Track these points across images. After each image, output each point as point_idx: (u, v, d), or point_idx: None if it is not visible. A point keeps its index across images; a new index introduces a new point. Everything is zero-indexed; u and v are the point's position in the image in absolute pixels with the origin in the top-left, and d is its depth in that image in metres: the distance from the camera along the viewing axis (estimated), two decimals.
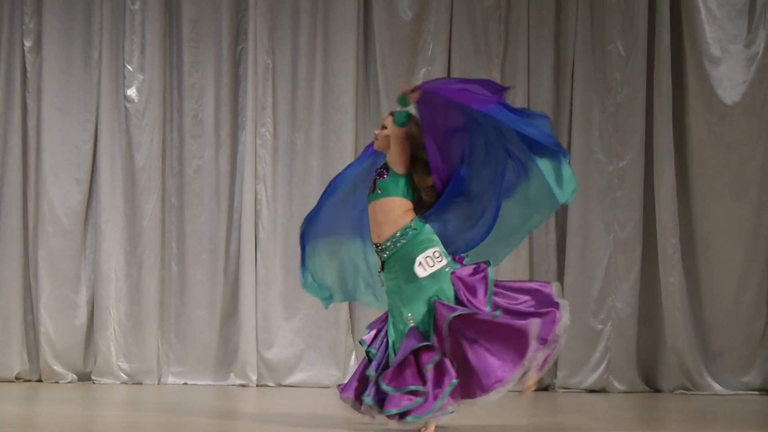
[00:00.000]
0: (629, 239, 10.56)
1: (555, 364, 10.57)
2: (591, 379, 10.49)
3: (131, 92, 10.86)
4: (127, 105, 10.85)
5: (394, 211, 6.87)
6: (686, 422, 8.29)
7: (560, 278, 10.63)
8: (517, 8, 10.79)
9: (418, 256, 6.81)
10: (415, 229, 6.85)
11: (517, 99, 10.63)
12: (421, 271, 6.80)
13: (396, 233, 6.86)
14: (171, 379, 10.72)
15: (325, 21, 10.89)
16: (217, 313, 10.70)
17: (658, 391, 10.54)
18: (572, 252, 10.62)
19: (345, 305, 10.61)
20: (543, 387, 10.55)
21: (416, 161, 6.94)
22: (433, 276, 6.81)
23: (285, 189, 10.83)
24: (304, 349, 10.70)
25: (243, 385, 10.49)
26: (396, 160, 6.92)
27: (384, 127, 7.02)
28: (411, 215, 6.89)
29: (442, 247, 6.86)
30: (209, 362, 10.64)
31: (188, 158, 10.85)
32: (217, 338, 10.65)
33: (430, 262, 6.80)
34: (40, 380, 10.66)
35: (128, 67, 10.85)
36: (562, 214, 10.68)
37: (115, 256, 10.73)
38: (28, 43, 10.86)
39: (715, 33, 10.54)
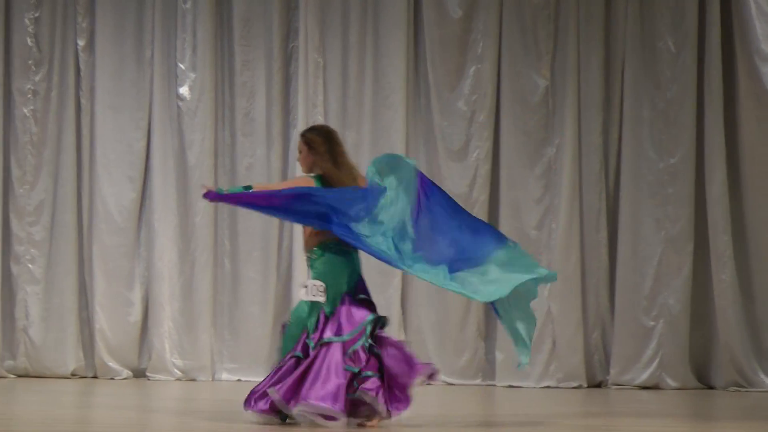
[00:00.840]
0: (680, 236, 10.57)
1: (607, 360, 10.62)
2: (643, 376, 10.51)
3: (183, 90, 10.95)
4: (180, 103, 10.95)
5: (306, 230, 7.28)
6: (739, 419, 8.30)
7: (611, 275, 10.67)
8: (567, 6, 10.81)
9: (308, 279, 7.16)
10: (315, 255, 7.19)
11: (567, 97, 10.69)
12: (302, 294, 7.14)
13: (306, 252, 7.28)
14: (225, 376, 10.82)
15: (375, 19, 10.95)
16: (269, 309, 10.79)
17: (710, 387, 10.55)
18: (623, 249, 10.64)
19: (397, 301, 10.69)
20: (596, 383, 10.59)
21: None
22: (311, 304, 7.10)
23: None
24: None
25: None
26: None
27: (299, 152, 7.38)
28: (318, 239, 7.19)
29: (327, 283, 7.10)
30: (262, 358, 10.72)
31: (240, 156, 10.93)
32: (270, 335, 10.72)
33: (314, 291, 7.08)
34: (95, 377, 10.78)
35: (180, 65, 10.95)
36: (612, 210, 10.72)
37: (168, 253, 10.83)
38: (81, 42, 10.97)
39: (765, 29, 10.51)
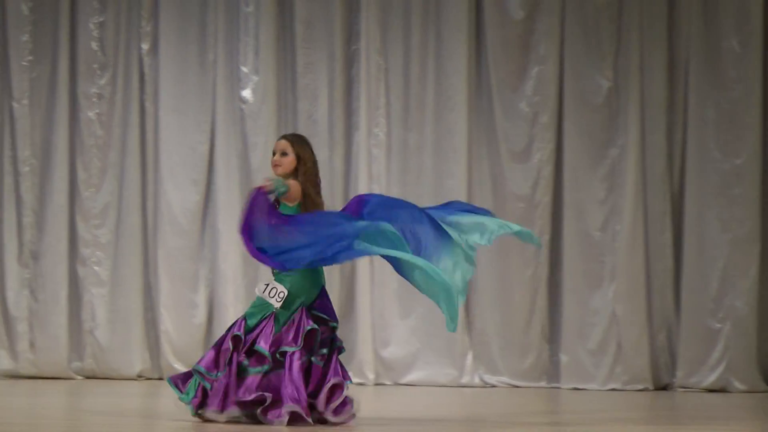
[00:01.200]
0: (747, 237, 10.49)
1: (673, 362, 10.58)
2: (710, 379, 10.45)
3: (246, 93, 11.03)
4: (242, 106, 11.02)
5: None
6: None
7: (677, 277, 10.63)
8: (630, 6, 10.77)
9: (271, 280, 7.15)
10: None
11: (630, 100, 10.65)
12: (259, 289, 7.18)
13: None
14: None
15: (436, 21, 10.97)
16: None
17: None
18: (688, 250, 10.59)
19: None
20: (662, 386, 10.56)
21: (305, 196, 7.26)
22: (263, 302, 7.13)
23: (398, 188, 10.92)
24: (420, 348, 10.79)
25: (361, 384, 10.60)
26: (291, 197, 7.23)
27: (284, 154, 7.31)
28: None
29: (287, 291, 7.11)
30: None
31: None
32: None
33: (273, 293, 7.08)
34: (161, 378, 10.84)
35: (243, 68, 11.02)
36: (677, 211, 10.68)
37: (232, 255, 10.89)
38: (145, 46, 11.07)
39: None
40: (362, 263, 10.73)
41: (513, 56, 10.88)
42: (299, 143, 7.37)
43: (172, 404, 7.30)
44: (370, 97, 10.93)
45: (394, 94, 11.00)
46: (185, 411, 7.17)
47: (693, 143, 10.65)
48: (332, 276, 10.83)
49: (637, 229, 10.62)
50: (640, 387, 10.49)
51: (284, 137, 7.45)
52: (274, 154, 7.38)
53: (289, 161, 7.27)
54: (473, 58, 10.94)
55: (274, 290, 7.07)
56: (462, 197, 10.70)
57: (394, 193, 10.87)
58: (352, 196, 10.74)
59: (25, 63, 10.99)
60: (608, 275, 10.63)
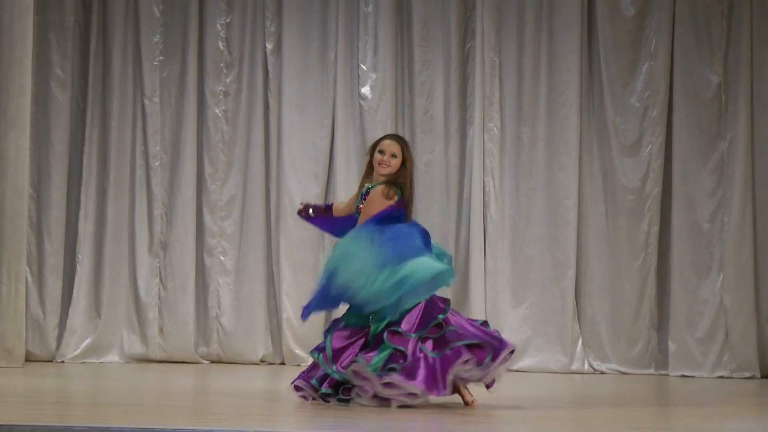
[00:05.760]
0: None
1: None
2: None
3: (365, 90, 11.28)
4: (362, 102, 11.28)
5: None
6: None
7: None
8: (740, 2, 10.82)
9: None
10: None
11: (740, 94, 10.72)
12: None
13: None
14: None
15: (549, 18, 11.14)
16: None
17: None
18: None
19: (571, 293, 10.91)
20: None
21: None
22: None
23: (512, 181, 11.13)
24: (532, 335, 10.99)
25: None
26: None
27: (394, 156, 7.40)
28: None
29: None
30: None
31: (419, 153, 11.19)
32: None
33: None
34: (282, 363, 11.16)
35: (362, 66, 11.28)
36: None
37: None
38: (269, 46, 11.37)
39: None
40: (476, 253, 10.96)
41: (624, 52, 11.01)
42: (407, 147, 7.47)
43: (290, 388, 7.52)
44: (485, 93, 11.13)
45: (508, 90, 11.18)
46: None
47: None
48: None
49: (745, 220, 10.69)
50: (748, 375, 10.57)
51: (393, 138, 7.51)
52: (381, 152, 7.44)
53: (397, 163, 7.39)
54: (585, 55, 11.10)
55: None
56: (573, 190, 10.92)
57: (507, 186, 11.10)
58: (466, 189, 11.04)
59: (156, 63, 11.36)
60: (716, 265, 10.72)
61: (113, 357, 11.18)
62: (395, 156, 7.40)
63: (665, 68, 10.91)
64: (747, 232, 10.69)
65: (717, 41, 10.85)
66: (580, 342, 10.91)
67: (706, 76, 10.86)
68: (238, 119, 11.39)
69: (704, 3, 10.88)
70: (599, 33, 11.04)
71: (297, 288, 11.16)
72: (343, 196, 11.12)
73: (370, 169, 7.55)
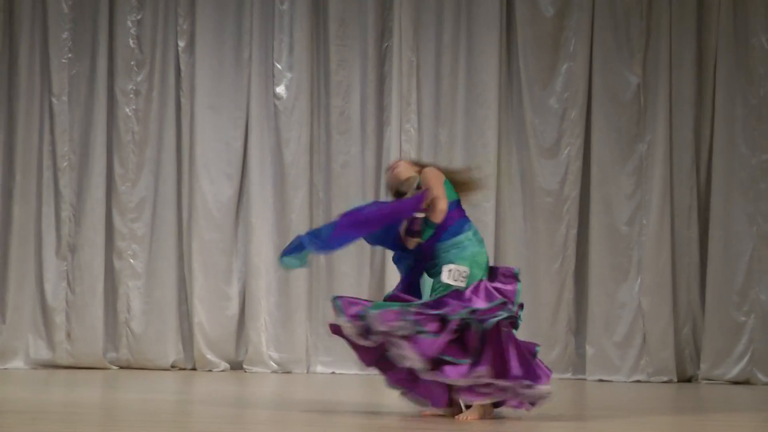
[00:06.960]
0: None
1: (698, 355, 10.63)
2: (734, 371, 10.49)
3: (280, 90, 11.15)
4: (277, 102, 11.15)
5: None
6: None
7: (702, 271, 10.68)
8: (659, 3, 10.83)
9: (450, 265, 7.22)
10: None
11: (659, 96, 10.73)
12: (444, 276, 7.20)
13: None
14: (319, 368, 11.02)
15: (468, 18, 11.06)
16: None
17: None
18: (714, 244, 10.63)
19: None
20: (686, 378, 10.62)
21: None
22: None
23: None
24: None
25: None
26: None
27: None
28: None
29: None
30: None
31: (335, 154, 11.10)
32: None
33: (456, 275, 7.16)
34: (194, 369, 11.01)
35: (277, 65, 11.15)
36: (704, 206, 10.72)
37: (265, 249, 11.04)
38: (182, 44, 11.20)
39: None
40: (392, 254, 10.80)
41: (543, 53, 10.98)
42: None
43: (206, 393, 7.40)
44: (402, 93, 11.04)
45: (426, 91, 11.10)
46: (217, 399, 7.27)
47: (720, 139, 10.69)
48: (362, 266, 10.98)
49: (663, 223, 10.69)
50: (665, 379, 10.56)
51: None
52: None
53: (410, 180, 7.58)
54: (504, 55, 11.04)
55: (456, 272, 7.10)
56: (491, 192, 10.81)
57: None
58: (383, 191, 10.89)
59: (64, 60, 11.14)
60: (635, 269, 10.71)
61: (18, 363, 10.96)
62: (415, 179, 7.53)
63: (584, 69, 10.89)
64: (665, 236, 10.67)
65: (636, 42, 10.84)
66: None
67: (625, 77, 10.85)
68: (150, 119, 11.22)
69: (623, 3, 10.88)
70: (518, 33, 10.99)
71: (209, 292, 11.04)
72: (257, 198, 11.00)
73: None
